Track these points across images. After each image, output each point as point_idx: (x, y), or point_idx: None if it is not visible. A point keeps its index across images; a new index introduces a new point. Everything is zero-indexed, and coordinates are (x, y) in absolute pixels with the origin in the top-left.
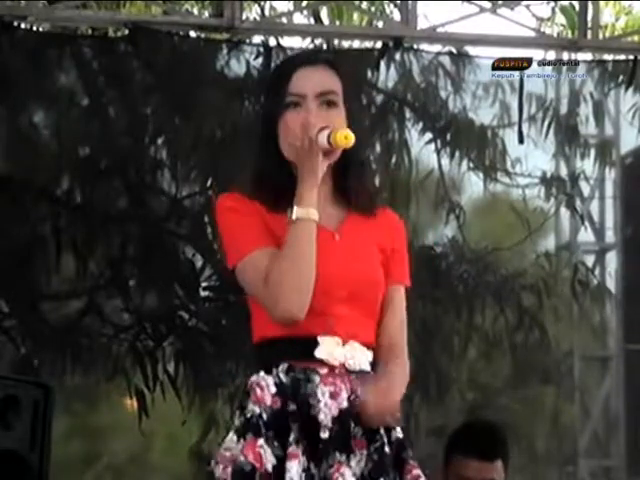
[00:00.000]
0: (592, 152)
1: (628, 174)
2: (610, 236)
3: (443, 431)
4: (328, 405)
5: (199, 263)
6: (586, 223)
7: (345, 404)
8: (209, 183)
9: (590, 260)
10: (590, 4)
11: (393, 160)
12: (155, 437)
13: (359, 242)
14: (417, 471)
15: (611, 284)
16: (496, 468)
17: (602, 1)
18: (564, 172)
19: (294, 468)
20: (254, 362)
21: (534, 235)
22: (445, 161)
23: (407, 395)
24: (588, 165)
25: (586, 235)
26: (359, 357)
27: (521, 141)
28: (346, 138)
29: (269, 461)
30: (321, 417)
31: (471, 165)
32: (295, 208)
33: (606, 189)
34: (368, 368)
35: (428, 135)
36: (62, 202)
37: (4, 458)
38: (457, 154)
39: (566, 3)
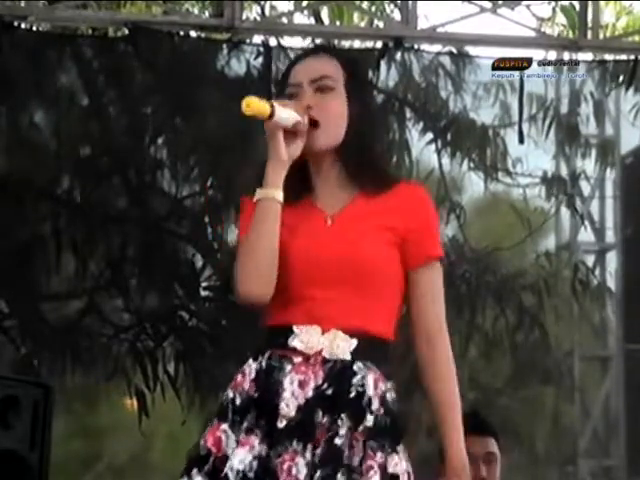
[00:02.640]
0: (593, 152)
1: (628, 174)
2: (610, 236)
3: None
4: (295, 394)
5: (199, 263)
6: (586, 223)
7: (311, 393)
8: (209, 183)
9: (590, 260)
10: (590, 4)
11: (394, 160)
12: (155, 437)
13: (358, 225)
14: (371, 462)
15: (611, 284)
16: (494, 443)
17: (602, 1)
18: (564, 172)
19: (238, 456)
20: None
21: (534, 235)
22: (446, 161)
23: (407, 395)
24: (588, 165)
25: (586, 235)
26: (338, 346)
27: (521, 141)
28: (247, 105)
29: (229, 446)
30: (282, 406)
31: (472, 165)
32: (257, 190)
33: (606, 189)
34: (348, 357)
35: (429, 135)
36: (62, 202)
37: (4, 458)
38: (458, 154)
39: (566, 3)
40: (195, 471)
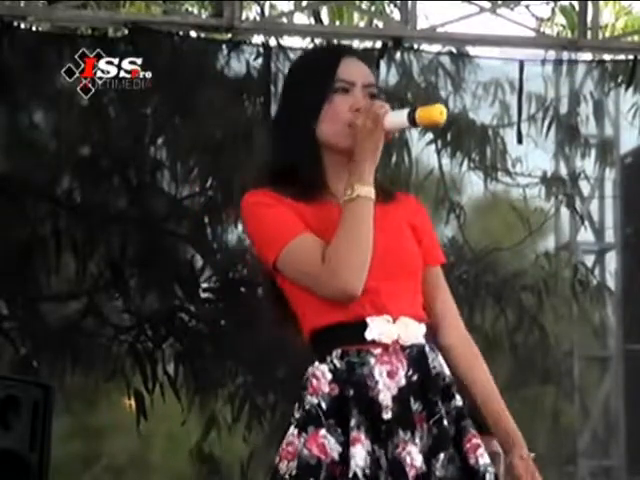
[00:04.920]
0: (592, 152)
1: (628, 174)
2: (610, 236)
3: None
4: (387, 384)
5: (199, 264)
6: (586, 223)
7: (403, 381)
8: (209, 183)
9: (590, 260)
10: (590, 4)
11: (393, 160)
12: (155, 437)
13: (390, 221)
14: (477, 440)
15: (611, 284)
16: (494, 442)
17: (602, 1)
18: (564, 172)
19: (359, 453)
20: (310, 356)
21: (534, 235)
22: (445, 161)
23: None
24: (588, 165)
25: (586, 235)
26: (412, 331)
27: (520, 141)
28: (441, 114)
29: (334, 450)
30: (381, 397)
31: (471, 165)
32: (356, 186)
33: (606, 189)
34: (422, 341)
35: (429, 135)
36: (62, 202)
37: (4, 458)
38: (457, 154)
39: (566, 3)
40: None
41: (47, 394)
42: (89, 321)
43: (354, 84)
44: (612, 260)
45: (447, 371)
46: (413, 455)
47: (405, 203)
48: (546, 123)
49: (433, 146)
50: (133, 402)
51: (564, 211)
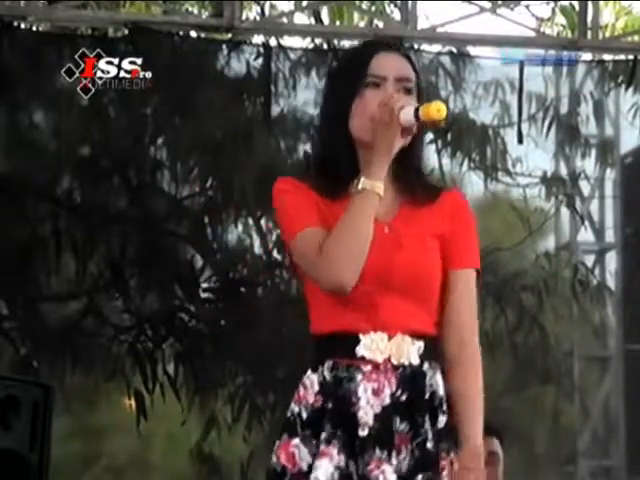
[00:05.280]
0: (592, 152)
1: (628, 174)
2: (610, 236)
3: None
4: (370, 402)
5: (199, 264)
6: (586, 223)
7: (388, 400)
8: (209, 183)
9: (590, 260)
10: (590, 4)
11: None
12: (155, 437)
13: (410, 232)
14: (443, 462)
15: (611, 284)
16: (496, 443)
17: (602, 1)
18: (564, 172)
19: (322, 467)
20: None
21: (534, 235)
22: (446, 161)
23: None
24: (588, 165)
25: (586, 235)
26: (406, 350)
27: (520, 141)
28: (439, 111)
29: (304, 460)
30: (360, 414)
31: (472, 165)
32: (363, 179)
33: (606, 189)
34: (417, 360)
35: (429, 135)
36: (62, 202)
37: (4, 458)
38: (458, 154)
39: (566, 3)
40: None
41: (47, 394)
42: (89, 321)
43: (385, 78)
44: (612, 260)
45: (441, 391)
46: (387, 475)
47: (442, 206)
48: (546, 123)
49: (433, 146)
50: (133, 402)
51: (564, 211)
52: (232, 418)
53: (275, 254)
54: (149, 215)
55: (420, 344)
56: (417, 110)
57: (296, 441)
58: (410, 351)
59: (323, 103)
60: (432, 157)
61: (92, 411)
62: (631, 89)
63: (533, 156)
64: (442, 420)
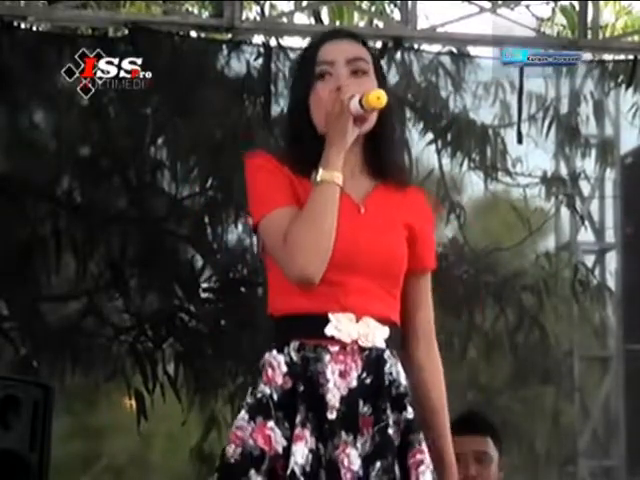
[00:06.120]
0: (592, 152)
1: (628, 174)
2: (610, 236)
3: None
4: (337, 384)
5: (199, 264)
6: (586, 223)
7: (355, 383)
8: (209, 183)
9: (590, 260)
10: (590, 4)
11: None
12: (155, 437)
13: (384, 216)
14: (421, 456)
15: (611, 284)
16: (488, 442)
17: (602, 1)
18: (564, 172)
19: (299, 451)
20: (270, 336)
21: (534, 235)
22: (446, 161)
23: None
24: (588, 165)
25: (586, 235)
26: (373, 334)
27: (520, 141)
28: (379, 99)
29: (279, 443)
30: (329, 397)
31: (472, 165)
32: (320, 170)
33: (606, 189)
34: (383, 345)
35: (429, 135)
36: (62, 202)
37: (4, 458)
38: (458, 154)
39: (566, 3)
40: (253, 472)
41: (47, 394)
42: (89, 321)
43: (333, 62)
44: (612, 260)
45: (403, 381)
46: (351, 458)
47: (412, 200)
48: (546, 123)
49: (433, 146)
50: (133, 402)
51: (564, 211)
52: (232, 418)
53: None
54: (149, 215)
55: (386, 329)
56: (361, 99)
57: (271, 423)
58: (376, 335)
59: (288, 103)
60: (432, 157)
61: (92, 411)
62: (631, 89)
63: (533, 156)
64: (410, 411)
